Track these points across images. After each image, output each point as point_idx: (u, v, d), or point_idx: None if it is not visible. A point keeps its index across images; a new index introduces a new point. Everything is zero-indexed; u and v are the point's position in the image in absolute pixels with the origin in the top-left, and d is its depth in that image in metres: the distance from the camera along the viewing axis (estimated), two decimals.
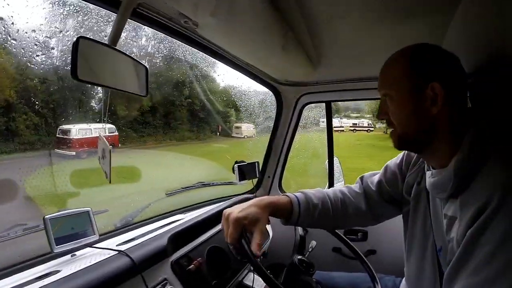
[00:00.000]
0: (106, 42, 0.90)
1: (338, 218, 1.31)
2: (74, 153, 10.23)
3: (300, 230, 1.49)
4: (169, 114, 12.81)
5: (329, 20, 1.27)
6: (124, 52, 0.95)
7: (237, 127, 14.12)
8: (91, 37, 0.82)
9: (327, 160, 2.33)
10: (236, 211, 1.08)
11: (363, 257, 1.45)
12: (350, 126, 26.07)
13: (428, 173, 1.02)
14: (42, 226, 1.26)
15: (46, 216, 1.19)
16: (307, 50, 1.56)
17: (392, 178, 1.31)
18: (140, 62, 1.02)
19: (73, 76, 0.76)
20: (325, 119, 2.31)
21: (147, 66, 1.04)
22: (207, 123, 13.37)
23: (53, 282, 1.00)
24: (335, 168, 2.36)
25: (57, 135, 10.68)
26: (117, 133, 12.09)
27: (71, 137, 10.72)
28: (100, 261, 1.14)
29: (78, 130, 10.82)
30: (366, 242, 2.09)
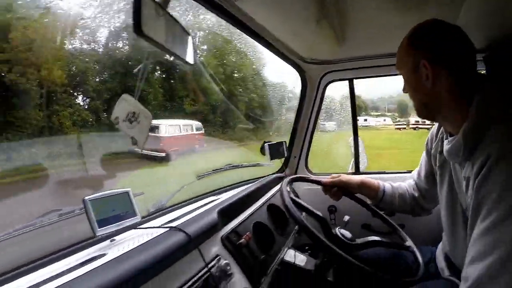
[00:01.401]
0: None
1: (411, 205, 1.55)
2: (163, 154, 9.01)
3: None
4: (229, 110, 12.50)
5: None
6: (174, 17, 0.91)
7: None
8: None
9: (352, 138, 2.35)
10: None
11: (399, 229, 1.50)
12: (412, 124, 25.54)
13: (445, 142, 1.10)
14: (77, 212, 1.23)
15: (85, 198, 1.12)
16: (335, 27, 1.55)
17: (426, 159, 1.45)
18: (186, 30, 0.98)
19: (137, 31, 0.72)
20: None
21: (191, 34, 1.01)
22: (262, 121, 12.84)
23: (106, 263, 0.93)
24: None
25: None
26: (203, 131, 11.23)
27: (160, 135, 9.42)
28: (152, 238, 1.10)
29: (168, 127, 9.79)
30: (393, 217, 2.09)
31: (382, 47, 1.87)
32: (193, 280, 1.03)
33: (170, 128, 9.97)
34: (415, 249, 1.36)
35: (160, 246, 1.01)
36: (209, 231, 1.23)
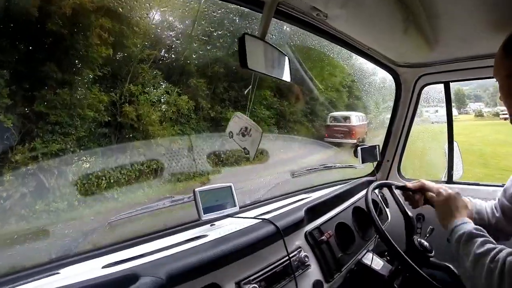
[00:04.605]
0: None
1: (489, 225, 1.39)
2: (355, 140, 10.98)
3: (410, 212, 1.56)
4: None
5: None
6: (272, 44, 1.14)
7: None
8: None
9: (447, 144, 2.30)
10: None
11: None
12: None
13: None
14: (186, 200, 1.53)
15: (196, 189, 1.43)
16: (424, 31, 1.60)
17: None
18: (282, 52, 1.20)
19: (243, 66, 0.96)
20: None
21: (287, 56, 1.23)
22: None
23: (206, 242, 1.25)
24: (454, 153, 2.29)
25: (329, 123, 11.31)
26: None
27: (350, 125, 11.37)
28: (246, 227, 1.38)
29: (355, 116, 11.52)
30: None
31: (478, 48, 1.82)
32: (274, 265, 1.30)
33: (357, 117, 11.37)
34: None
35: (252, 234, 1.28)
36: (295, 226, 1.46)
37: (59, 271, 1.17)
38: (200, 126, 7.87)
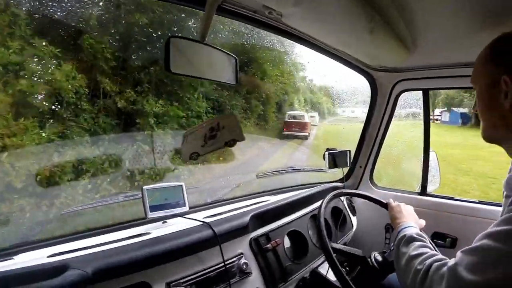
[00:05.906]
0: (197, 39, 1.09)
1: None
2: (307, 134, 14.17)
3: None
4: None
5: None
6: (214, 45, 1.13)
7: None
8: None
9: (422, 155, 2.24)
10: None
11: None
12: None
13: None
14: (139, 196, 1.55)
15: (144, 187, 1.48)
16: (400, 34, 1.54)
17: None
18: (229, 54, 1.20)
19: (166, 70, 0.96)
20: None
21: (236, 57, 1.22)
22: None
23: (142, 241, 1.29)
24: (431, 163, 2.25)
25: (287, 120, 13.99)
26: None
27: (304, 121, 14.32)
28: (185, 229, 1.40)
29: (309, 116, 15.14)
30: (454, 250, 2.02)
31: (461, 55, 1.76)
32: (208, 270, 1.32)
33: (310, 117, 15.07)
34: None
35: (190, 237, 1.31)
36: (237, 232, 1.48)
37: (13, 257, 1.22)
38: (100, 124, 4.78)
